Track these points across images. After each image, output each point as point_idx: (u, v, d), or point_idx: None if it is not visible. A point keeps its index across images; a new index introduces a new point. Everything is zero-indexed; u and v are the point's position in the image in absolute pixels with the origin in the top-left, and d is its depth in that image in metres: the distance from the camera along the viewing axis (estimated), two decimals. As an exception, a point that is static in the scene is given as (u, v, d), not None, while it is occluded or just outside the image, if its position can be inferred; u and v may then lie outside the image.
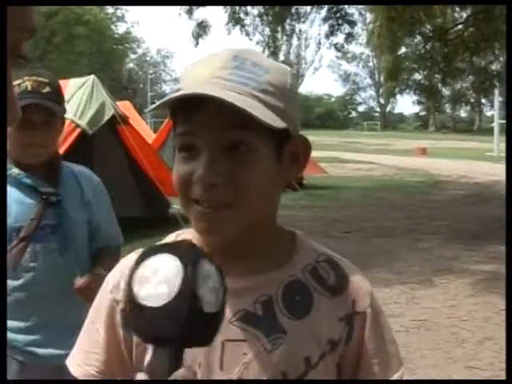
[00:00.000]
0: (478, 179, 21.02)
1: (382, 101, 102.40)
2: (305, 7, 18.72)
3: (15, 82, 2.39)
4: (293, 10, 17.95)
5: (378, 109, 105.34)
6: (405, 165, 27.19)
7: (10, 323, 2.45)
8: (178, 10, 17.94)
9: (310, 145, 1.19)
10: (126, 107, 16.11)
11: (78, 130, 9.45)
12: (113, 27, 64.22)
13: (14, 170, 2.48)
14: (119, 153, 10.74)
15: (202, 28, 18.18)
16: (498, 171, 21.82)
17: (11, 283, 2.46)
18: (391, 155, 34.34)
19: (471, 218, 12.82)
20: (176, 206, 11.66)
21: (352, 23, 18.59)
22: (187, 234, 1.23)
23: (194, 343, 0.90)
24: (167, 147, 16.73)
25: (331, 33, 18.36)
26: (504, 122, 40.45)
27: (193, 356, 1.09)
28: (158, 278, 0.88)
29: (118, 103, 11.69)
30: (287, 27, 19.22)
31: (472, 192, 17.49)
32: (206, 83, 1.06)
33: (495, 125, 38.78)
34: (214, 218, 1.08)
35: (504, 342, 5.45)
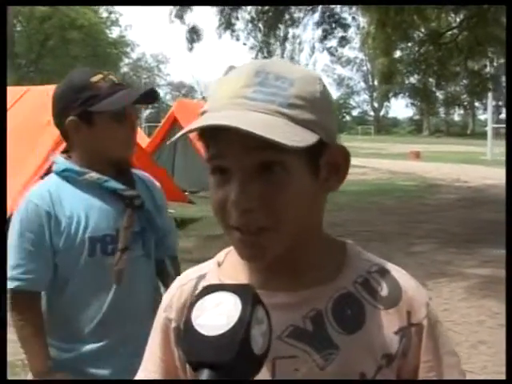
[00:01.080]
0: (472, 183, 21.06)
1: (375, 105, 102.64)
2: (298, 12, 18.66)
3: (97, 78, 2.26)
4: (286, 16, 17.94)
5: (372, 113, 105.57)
6: (398, 169, 27.22)
7: (83, 348, 2.27)
8: (169, 16, 17.97)
9: (349, 152, 1.14)
10: (119, 112, 16.05)
11: (71, 135, 9.44)
12: (107, 31, 64.13)
13: (92, 175, 2.25)
14: (113, 157, 10.73)
15: (194, 33, 18.19)
16: (492, 175, 21.90)
17: (88, 302, 2.26)
18: (385, 159, 34.38)
19: (465, 221, 12.84)
20: (171, 210, 11.65)
21: (345, 26, 18.60)
22: (235, 251, 1.18)
23: (235, 377, 0.92)
24: (161, 152, 16.73)
25: (325, 37, 18.38)
26: (497, 125, 40.61)
27: None
28: (217, 311, 0.93)
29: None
30: (281, 33, 19.11)
31: (466, 196, 17.51)
32: (229, 105, 1.04)
33: (488, 128, 38.88)
34: (255, 244, 1.06)
35: (498, 345, 5.49)
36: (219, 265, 1.22)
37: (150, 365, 1.25)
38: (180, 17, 17.68)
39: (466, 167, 28.28)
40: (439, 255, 9.51)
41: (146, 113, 70.40)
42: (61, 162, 2.32)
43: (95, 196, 2.25)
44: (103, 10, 62.86)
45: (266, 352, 0.95)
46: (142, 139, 17.70)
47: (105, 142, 2.25)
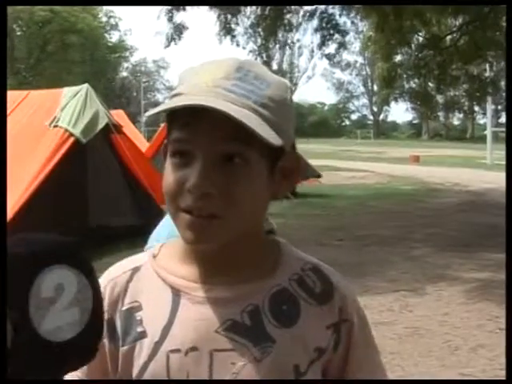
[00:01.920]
0: (471, 187, 21.06)
1: (375, 109, 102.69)
2: (296, 17, 18.69)
3: None
4: (285, 21, 17.96)
5: (371, 117, 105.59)
6: (398, 173, 27.22)
7: None
8: (159, 13, 17.95)
9: (300, 162, 1.21)
10: (119, 116, 16.13)
11: (71, 139, 9.46)
12: (106, 35, 64.16)
13: None
14: (113, 161, 10.75)
15: (177, 31, 18.14)
16: (491, 179, 21.90)
17: None
18: (384, 163, 34.38)
19: (464, 225, 12.84)
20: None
21: (344, 33, 18.62)
22: (171, 243, 1.23)
23: (67, 372, 0.75)
24: (161, 156, 16.75)
25: (323, 43, 18.40)
26: (496, 129, 40.60)
27: (180, 366, 1.10)
28: None
29: (111, 112, 11.71)
30: (280, 38, 19.12)
31: (465, 200, 17.52)
32: (208, 92, 1.06)
33: (488, 132, 38.87)
34: (202, 228, 1.08)
35: (497, 348, 5.50)
36: (154, 257, 1.22)
37: None
38: (169, 17, 17.65)
39: (466, 171, 28.28)
40: (439, 259, 9.51)
41: (145, 117, 70.49)
42: None
43: None
44: (102, 15, 62.91)
45: (92, 317, 0.74)
46: (142, 143, 17.74)
47: None
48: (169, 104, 1.07)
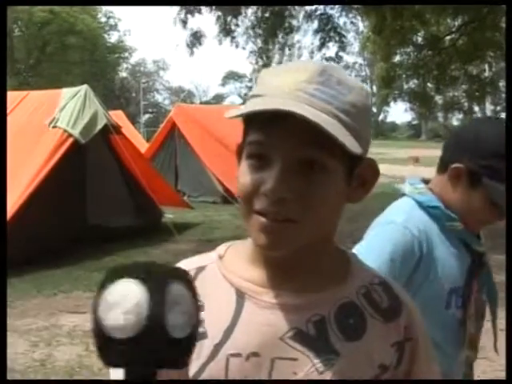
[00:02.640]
0: (471, 187, 21.04)
1: (374, 109, 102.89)
2: (297, 19, 18.67)
3: None
4: (285, 25, 17.99)
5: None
6: (398, 173, 27.22)
7: None
8: (174, 20, 18.07)
9: (379, 170, 1.17)
10: (118, 116, 16.15)
11: (70, 140, 9.45)
12: (105, 36, 64.08)
13: (457, 224, 2.08)
14: (112, 162, 10.76)
15: (196, 38, 18.28)
16: (491, 179, 21.91)
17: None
18: (384, 164, 34.27)
19: (464, 226, 12.83)
20: (168, 215, 11.65)
21: (343, 36, 18.61)
22: (237, 245, 1.21)
23: (167, 367, 0.87)
24: (160, 156, 16.76)
25: (322, 45, 18.40)
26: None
27: (239, 370, 1.08)
28: (123, 307, 0.83)
29: (110, 113, 11.71)
30: (280, 40, 19.03)
31: (465, 200, 17.51)
32: (289, 95, 1.04)
33: (487, 133, 38.89)
34: (276, 232, 1.06)
35: (497, 349, 5.47)
36: (221, 257, 1.20)
37: None
38: (184, 22, 17.75)
39: (465, 172, 28.21)
40: (438, 260, 9.51)
41: (145, 117, 70.50)
42: (429, 196, 2.16)
43: (452, 244, 2.08)
44: (102, 15, 62.91)
45: (194, 329, 0.88)
46: (141, 144, 17.75)
47: (474, 206, 2.11)
48: (249, 107, 1.04)
